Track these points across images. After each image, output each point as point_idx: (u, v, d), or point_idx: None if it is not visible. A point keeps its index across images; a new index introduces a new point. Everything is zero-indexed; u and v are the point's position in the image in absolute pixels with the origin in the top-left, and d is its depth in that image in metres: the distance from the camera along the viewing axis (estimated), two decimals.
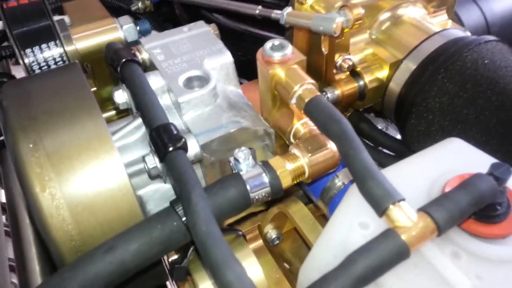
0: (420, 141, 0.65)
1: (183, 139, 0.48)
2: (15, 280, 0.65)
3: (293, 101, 0.54)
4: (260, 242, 0.69)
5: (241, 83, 0.69)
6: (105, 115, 0.91)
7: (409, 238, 0.36)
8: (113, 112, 0.92)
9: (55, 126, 0.48)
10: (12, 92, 0.52)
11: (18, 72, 1.02)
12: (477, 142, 0.57)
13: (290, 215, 0.62)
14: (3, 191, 0.80)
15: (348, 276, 0.35)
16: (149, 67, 0.63)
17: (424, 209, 0.38)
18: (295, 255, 0.69)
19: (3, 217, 0.77)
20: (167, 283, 0.65)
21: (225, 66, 0.61)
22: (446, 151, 0.47)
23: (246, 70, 0.75)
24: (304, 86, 0.53)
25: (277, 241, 0.68)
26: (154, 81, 0.58)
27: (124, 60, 0.56)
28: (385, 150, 0.77)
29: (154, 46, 0.63)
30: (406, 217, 0.37)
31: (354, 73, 0.70)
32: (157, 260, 0.46)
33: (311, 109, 0.51)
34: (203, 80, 0.58)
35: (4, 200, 0.78)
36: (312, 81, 0.54)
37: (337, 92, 0.70)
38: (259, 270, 0.51)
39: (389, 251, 0.35)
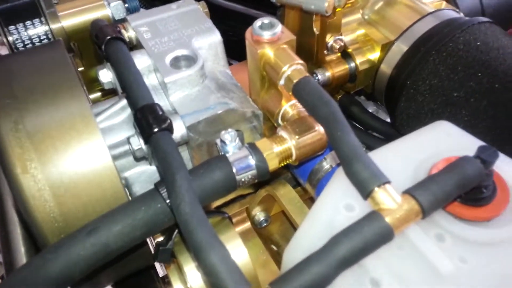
0: (410, 124, 0.64)
1: (168, 120, 0.47)
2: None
3: (282, 82, 0.53)
4: (248, 224, 0.68)
5: (231, 64, 0.68)
6: (93, 96, 0.89)
7: (393, 220, 0.36)
8: (100, 93, 0.90)
9: (37, 105, 0.47)
10: None
11: (4, 52, 1.00)
12: (467, 125, 0.57)
13: (278, 197, 0.61)
14: None
15: (331, 257, 0.34)
16: (135, 45, 0.62)
17: (409, 192, 0.37)
18: (283, 237, 0.69)
19: None
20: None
21: (214, 46, 0.59)
22: (434, 134, 0.47)
23: (236, 50, 0.74)
24: (293, 67, 0.52)
25: (265, 224, 0.68)
26: (140, 60, 0.57)
27: (108, 37, 0.54)
28: (375, 134, 0.76)
29: (140, 24, 0.61)
30: (391, 199, 0.37)
31: (345, 54, 0.69)
32: (142, 242, 0.46)
33: (299, 90, 0.50)
34: (191, 59, 0.57)
35: None
36: (301, 61, 0.53)
37: (328, 73, 0.69)
38: (245, 252, 0.50)
39: (373, 233, 0.35)
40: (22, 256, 0.60)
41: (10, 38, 0.71)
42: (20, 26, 0.72)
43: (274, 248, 0.69)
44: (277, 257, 0.67)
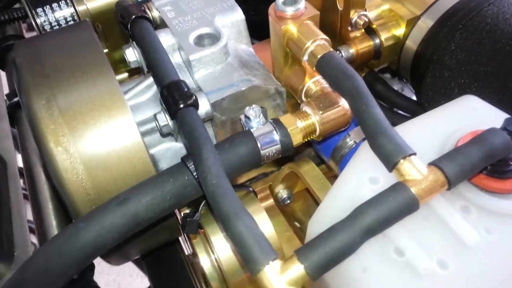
0: (436, 100, 0.63)
1: (194, 96, 0.48)
2: (34, 240, 0.68)
3: (305, 58, 0.53)
4: (271, 201, 0.69)
5: (253, 43, 0.68)
6: (118, 77, 0.91)
7: (419, 191, 0.36)
8: (125, 75, 0.91)
9: (67, 82, 0.49)
10: (24, 50, 0.52)
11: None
12: (494, 100, 0.56)
13: (301, 174, 0.62)
14: (20, 156, 0.82)
15: (356, 226, 0.35)
16: (159, 25, 0.63)
17: (434, 163, 0.37)
18: (306, 214, 0.70)
19: (21, 181, 0.79)
20: (180, 238, 0.67)
21: (237, 24, 0.60)
22: (461, 108, 0.46)
23: (258, 30, 0.73)
24: (317, 42, 0.52)
25: (288, 201, 0.69)
26: (165, 39, 0.57)
27: (134, 16, 0.55)
28: (400, 111, 0.76)
29: (164, 3, 0.62)
30: (416, 170, 0.37)
31: (370, 31, 0.68)
32: (170, 214, 0.47)
33: (323, 65, 0.50)
34: (214, 37, 0.58)
35: (21, 164, 0.80)
36: (325, 36, 0.52)
37: (352, 50, 0.68)
38: (270, 225, 0.51)
39: (398, 203, 0.35)
40: (54, 228, 0.63)
41: (38, 21, 0.73)
42: (47, 8, 0.74)
43: (297, 225, 0.70)
44: (300, 234, 0.68)
